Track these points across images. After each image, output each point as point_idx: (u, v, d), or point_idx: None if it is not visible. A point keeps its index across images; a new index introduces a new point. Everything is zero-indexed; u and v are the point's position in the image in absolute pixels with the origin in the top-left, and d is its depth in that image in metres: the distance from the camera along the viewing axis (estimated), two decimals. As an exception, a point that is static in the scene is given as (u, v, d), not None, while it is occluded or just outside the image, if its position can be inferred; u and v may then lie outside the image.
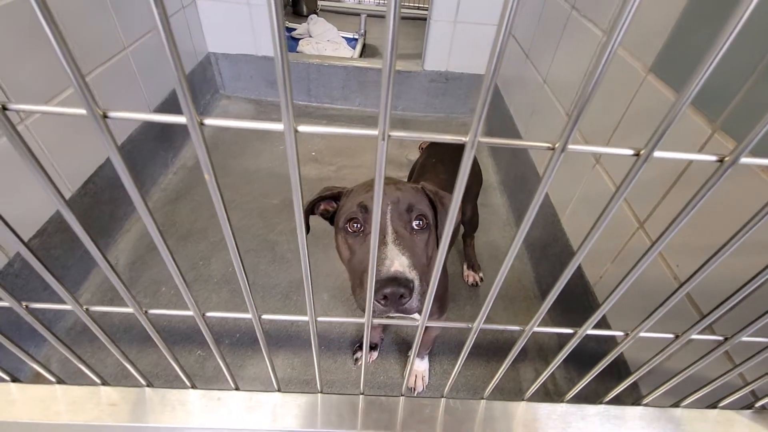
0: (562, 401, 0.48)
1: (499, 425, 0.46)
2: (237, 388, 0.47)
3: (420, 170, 1.15)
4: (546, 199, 1.33)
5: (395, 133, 0.23)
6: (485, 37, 1.95)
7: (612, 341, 0.96)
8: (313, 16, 2.72)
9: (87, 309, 0.36)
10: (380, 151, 0.23)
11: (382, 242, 0.60)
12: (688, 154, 0.25)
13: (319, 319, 0.38)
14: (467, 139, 0.23)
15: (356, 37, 2.75)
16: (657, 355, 0.41)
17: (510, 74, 1.81)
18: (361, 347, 1.16)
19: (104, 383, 0.46)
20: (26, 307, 0.35)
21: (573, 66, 1.25)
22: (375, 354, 1.17)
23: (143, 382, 0.46)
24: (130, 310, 0.36)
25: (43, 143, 1.07)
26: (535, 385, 0.46)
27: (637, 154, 0.24)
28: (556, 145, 0.23)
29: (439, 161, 1.13)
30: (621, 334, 0.39)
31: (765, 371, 0.45)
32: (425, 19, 1.95)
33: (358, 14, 2.86)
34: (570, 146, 0.23)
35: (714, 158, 0.24)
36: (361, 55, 2.63)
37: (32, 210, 1.07)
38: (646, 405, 0.48)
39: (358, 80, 2.16)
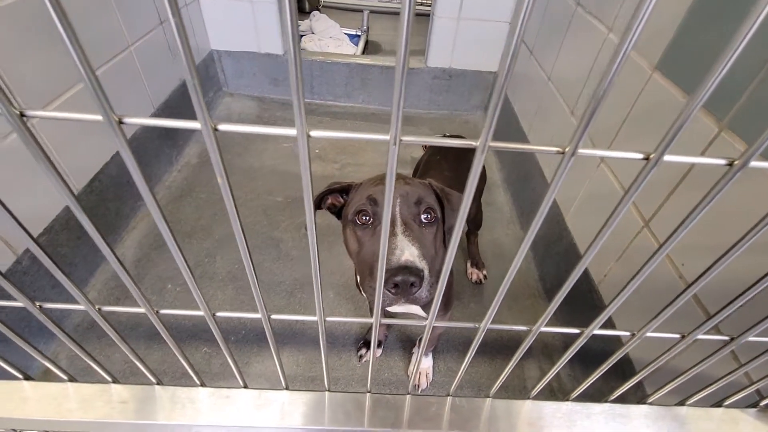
0: (567, 400, 0.48)
1: (504, 423, 0.46)
2: (246, 386, 0.47)
3: (425, 167, 1.15)
4: (550, 196, 1.33)
5: (407, 138, 0.23)
6: (489, 33, 1.94)
7: (617, 340, 0.96)
8: (316, 12, 2.71)
9: (99, 309, 0.36)
10: (391, 156, 0.23)
11: (392, 233, 0.61)
12: (697, 157, 0.25)
13: (328, 319, 0.38)
14: (477, 143, 0.23)
15: (359, 33, 2.74)
16: (663, 354, 0.41)
17: (514, 72, 1.80)
18: (365, 344, 1.16)
19: (114, 381, 0.47)
20: (40, 307, 0.36)
21: (578, 63, 1.24)
22: (379, 351, 1.17)
23: (153, 380, 0.47)
24: (141, 310, 0.37)
25: (49, 141, 1.07)
26: (540, 384, 0.46)
27: (647, 158, 0.24)
28: (566, 150, 0.23)
29: (443, 158, 1.13)
30: (627, 334, 0.40)
31: (770, 371, 0.45)
32: (428, 15, 1.94)
33: (361, 10, 2.85)
34: (580, 150, 0.23)
35: (723, 162, 0.24)
36: (363, 52, 2.62)
37: (39, 208, 1.07)
38: (650, 404, 0.48)
39: (361, 77, 2.16)
